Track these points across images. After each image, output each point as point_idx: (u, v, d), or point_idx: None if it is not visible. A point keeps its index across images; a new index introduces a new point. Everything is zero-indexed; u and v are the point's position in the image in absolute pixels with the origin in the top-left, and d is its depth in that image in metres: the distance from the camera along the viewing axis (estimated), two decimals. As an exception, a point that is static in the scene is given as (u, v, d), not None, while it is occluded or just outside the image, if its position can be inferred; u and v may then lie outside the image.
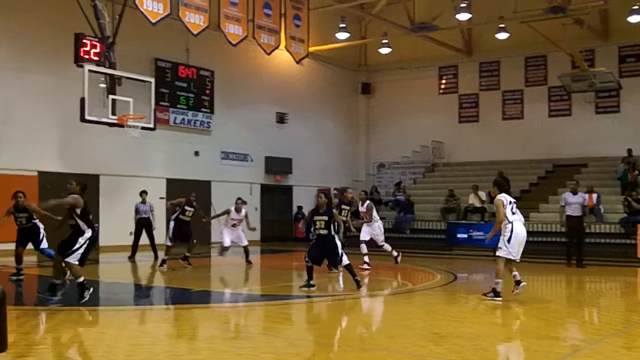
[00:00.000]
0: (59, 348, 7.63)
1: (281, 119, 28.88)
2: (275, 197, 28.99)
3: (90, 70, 16.30)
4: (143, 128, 17.63)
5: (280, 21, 22.75)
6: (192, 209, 16.75)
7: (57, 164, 20.91)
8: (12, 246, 15.00)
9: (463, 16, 25.53)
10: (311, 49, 25.29)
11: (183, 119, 24.77)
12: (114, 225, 21.23)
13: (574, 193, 17.96)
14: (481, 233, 22.78)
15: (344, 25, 27.65)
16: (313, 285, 12.20)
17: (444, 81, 31.59)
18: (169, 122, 24.07)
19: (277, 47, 22.95)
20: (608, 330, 9.24)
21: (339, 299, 12.32)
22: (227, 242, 16.93)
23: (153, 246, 19.04)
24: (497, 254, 11.52)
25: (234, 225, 17.01)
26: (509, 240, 11.48)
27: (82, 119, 16.30)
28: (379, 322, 9.44)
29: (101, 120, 16.76)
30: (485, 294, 11.46)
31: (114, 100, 16.87)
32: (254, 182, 27.67)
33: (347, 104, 32.78)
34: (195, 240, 16.79)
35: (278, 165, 28.52)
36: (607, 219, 21.40)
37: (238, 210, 17.00)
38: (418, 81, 31.37)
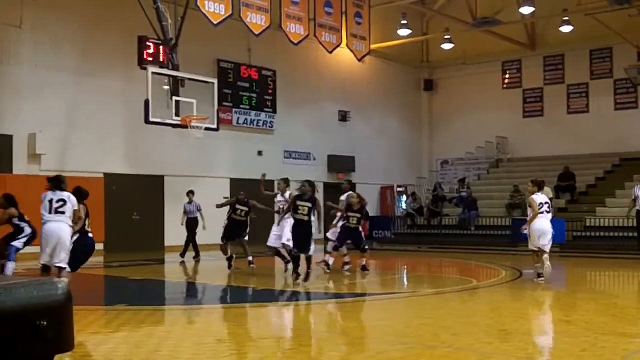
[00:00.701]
0: (124, 347, 7.79)
1: (343, 117, 28.91)
2: (338, 195, 28.94)
3: (153, 73, 16.61)
4: (207, 129, 17.87)
5: (342, 19, 22.78)
6: (244, 208, 15.74)
7: (122, 166, 21.39)
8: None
9: (526, 10, 25.13)
10: (373, 46, 25.25)
11: (246, 119, 25.04)
12: (180, 226, 21.55)
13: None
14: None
15: (405, 21, 27.51)
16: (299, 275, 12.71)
17: (507, 76, 31.15)
18: (232, 122, 24.37)
19: (338, 46, 22.99)
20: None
21: (403, 297, 12.27)
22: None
23: (195, 246, 19.12)
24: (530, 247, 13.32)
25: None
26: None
27: (147, 121, 16.63)
28: (444, 319, 9.37)
29: (165, 121, 17.06)
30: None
31: (177, 102, 17.15)
32: (317, 180, 27.70)
33: (410, 101, 32.61)
34: (246, 238, 15.88)
35: (341, 164, 28.56)
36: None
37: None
38: (481, 76, 31.02)
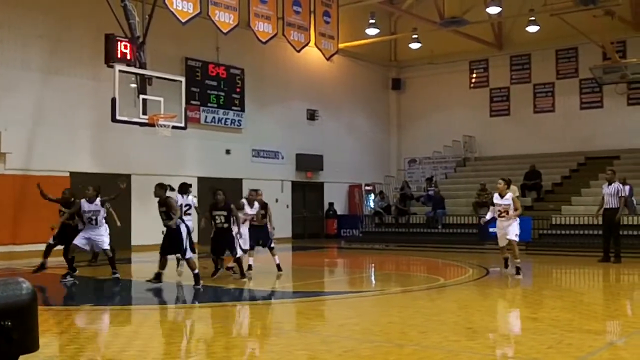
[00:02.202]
0: (90, 346, 7.72)
1: (312, 115, 28.92)
2: (306, 194, 29.05)
3: (120, 71, 16.43)
4: (174, 127, 17.73)
5: (310, 18, 22.77)
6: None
7: (89, 165, 21.16)
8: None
9: (493, 10, 25.32)
10: (341, 45, 25.26)
11: (214, 118, 24.92)
12: (146, 225, 21.41)
13: (609, 183, 17.62)
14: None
15: (373, 21, 27.59)
16: (219, 270, 13.66)
17: (474, 75, 31.40)
18: (200, 120, 24.24)
19: (307, 44, 22.96)
20: (643, 324, 9.15)
21: (372, 295, 12.31)
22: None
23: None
24: (516, 239, 13.93)
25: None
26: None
27: (113, 119, 16.45)
28: (411, 317, 9.42)
29: (132, 120, 16.89)
30: (515, 274, 13.65)
31: (144, 100, 16.99)
32: (285, 179, 27.75)
33: (378, 100, 32.73)
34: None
35: (309, 162, 28.58)
36: (640, 211, 21.17)
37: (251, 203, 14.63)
38: (449, 76, 31.24)
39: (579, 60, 28.44)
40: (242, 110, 25.91)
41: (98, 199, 13.63)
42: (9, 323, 2.97)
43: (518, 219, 14.19)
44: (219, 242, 13.50)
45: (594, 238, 18.92)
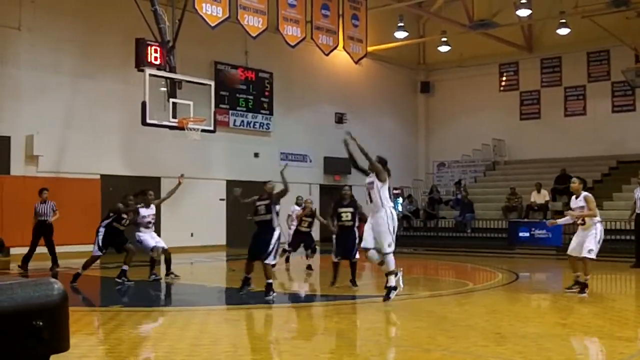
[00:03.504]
0: (120, 348, 7.79)
1: (340, 119, 28.92)
2: (334, 197, 28.99)
3: (151, 75, 16.61)
4: (203, 131, 17.88)
5: (338, 22, 22.82)
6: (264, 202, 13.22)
7: (119, 167, 21.37)
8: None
9: (523, 12, 25.16)
10: (369, 48, 25.30)
11: (242, 121, 25.03)
12: (176, 227, 21.57)
13: (643, 188, 17.34)
14: (544, 232, 22.45)
15: (402, 24, 27.52)
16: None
17: (504, 78, 31.18)
18: (228, 124, 24.36)
19: (335, 48, 23.02)
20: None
21: (399, 299, 12.26)
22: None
23: (53, 253, 16.54)
24: (590, 255, 11.58)
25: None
26: (599, 241, 11.65)
27: (144, 123, 16.63)
28: (439, 322, 9.37)
29: (162, 123, 17.07)
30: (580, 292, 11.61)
31: (174, 104, 17.17)
32: (313, 182, 27.77)
33: (406, 103, 32.64)
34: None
35: (337, 166, 28.53)
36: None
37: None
38: (478, 79, 31.06)
39: (611, 62, 28.11)
40: (271, 113, 25.99)
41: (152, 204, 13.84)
42: (40, 323, 3.02)
43: (598, 229, 11.72)
44: (346, 242, 13.08)
45: (626, 243, 18.68)
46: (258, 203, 11.44)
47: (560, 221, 13.02)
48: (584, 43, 27.88)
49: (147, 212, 13.72)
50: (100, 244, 13.17)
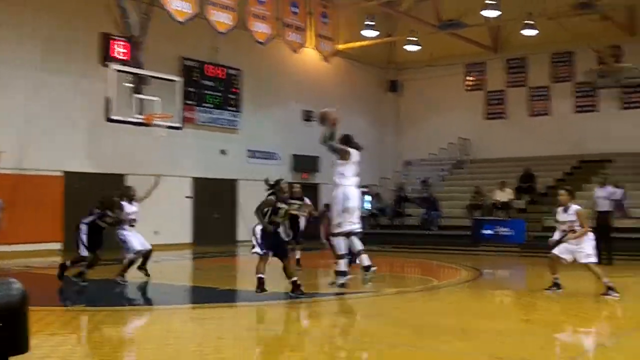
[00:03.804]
0: (82, 349, 7.73)
1: (308, 117, 28.88)
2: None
3: (116, 70, 16.46)
4: (170, 127, 17.78)
5: (308, 19, 22.84)
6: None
7: (83, 164, 21.10)
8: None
9: (491, 13, 25.37)
10: (339, 47, 25.38)
11: (210, 118, 24.89)
12: (140, 225, 21.33)
13: (602, 186, 17.65)
14: (507, 229, 22.78)
15: (371, 23, 27.56)
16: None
17: (471, 78, 31.43)
18: (195, 121, 24.20)
19: (304, 46, 23.03)
20: (632, 324, 9.24)
21: (365, 296, 12.32)
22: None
23: None
24: (591, 260, 11.34)
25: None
26: (594, 246, 11.46)
27: (108, 119, 16.47)
28: (405, 318, 9.45)
29: (127, 119, 16.92)
30: (603, 294, 11.12)
31: (140, 100, 17.02)
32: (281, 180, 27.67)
33: (375, 102, 32.73)
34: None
35: (305, 164, 28.56)
36: (633, 214, 21.23)
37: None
38: (446, 78, 31.24)
39: (575, 64, 28.53)
40: (239, 110, 25.88)
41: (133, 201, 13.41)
42: (0, 324, 2.99)
43: (591, 235, 11.51)
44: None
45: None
46: (282, 205, 11.06)
47: (556, 236, 12.01)
48: (549, 44, 28.20)
49: (131, 209, 13.42)
50: (86, 244, 12.63)
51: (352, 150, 10.60)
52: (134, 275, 13.23)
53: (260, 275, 10.75)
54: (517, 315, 10.25)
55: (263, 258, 10.83)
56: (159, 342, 7.55)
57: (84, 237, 12.64)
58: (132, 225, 13.45)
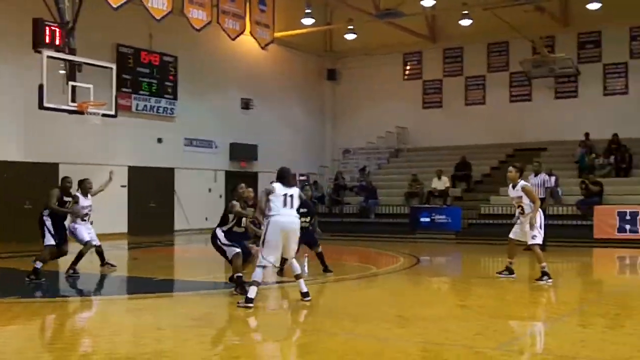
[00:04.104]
0: (16, 341, 7.56)
1: (246, 105, 28.73)
2: (240, 183, 28.81)
3: (49, 57, 16.00)
4: (104, 115, 17.37)
5: (245, 6, 22.64)
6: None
7: (14, 153, 20.56)
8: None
9: (428, 2, 25.58)
10: (276, 34, 25.25)
11: (146, 106, 24.50)
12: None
13: (536, 174, 18.03)
14: (443, 217, 23.11)
15: (309, 10, 27.46)
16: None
17: (408, 67, 31.70)
18: (131, 108, 23.78)
19: (242, 33, 22.84)
20: (565, 310, 9.47)
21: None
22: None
23: None
24: (535, 242, 11.49)
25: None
26: (541, 227, 11.59)
27: (41, 106, 16.02)
28: (343, 306, 9.48)
29: (60, 107, 16.48)
30: (537, 279, 11.36)
31: (74, 87, 16.59)
32: (219, 168, 27.53)
33: (313, 90, 32.74)
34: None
35: (243, 152, 28.41)
36: (565, 201, 21.78)
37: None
38: (383, 67, 31.43)
39: (510, 54, 29.04)
40: (175, 98, 25.54)
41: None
42: None
43: (539, 215, 11.58)
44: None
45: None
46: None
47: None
48: (485, 35, 28.63)
49: (85, 203, 13.03)
50: (52, 232, 12.17)
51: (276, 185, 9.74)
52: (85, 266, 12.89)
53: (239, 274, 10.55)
54: (453, 302, 10.40)
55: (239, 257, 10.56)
56: (95, 334, 7.41)
57: (50, 227, 12.24)
58: (84, 220, 13.11)
